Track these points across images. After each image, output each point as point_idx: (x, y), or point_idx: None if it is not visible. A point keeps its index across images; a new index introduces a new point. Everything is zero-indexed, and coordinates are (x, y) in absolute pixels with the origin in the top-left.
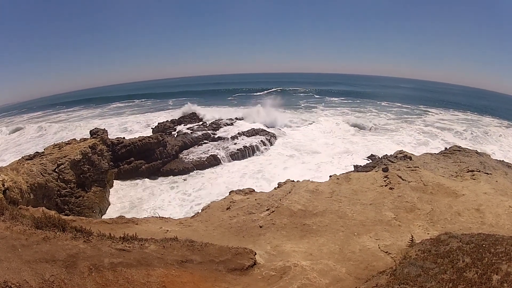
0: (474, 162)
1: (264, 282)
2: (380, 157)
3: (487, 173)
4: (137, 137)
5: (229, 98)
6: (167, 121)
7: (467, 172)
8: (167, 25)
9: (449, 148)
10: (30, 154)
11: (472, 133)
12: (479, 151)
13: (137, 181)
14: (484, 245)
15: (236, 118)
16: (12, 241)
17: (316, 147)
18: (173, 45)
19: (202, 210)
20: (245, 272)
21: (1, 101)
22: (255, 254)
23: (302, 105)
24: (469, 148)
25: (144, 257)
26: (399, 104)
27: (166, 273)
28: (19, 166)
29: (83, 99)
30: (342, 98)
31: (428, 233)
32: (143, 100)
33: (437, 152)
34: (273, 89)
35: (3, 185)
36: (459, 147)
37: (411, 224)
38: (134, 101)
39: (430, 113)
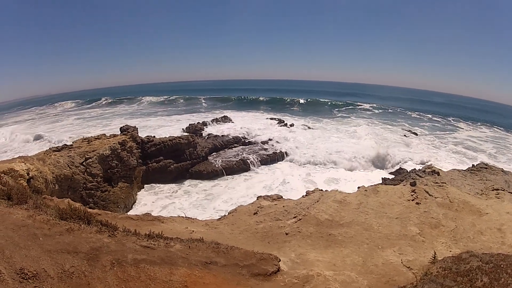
0: (500, 181)
1: None
2: (408, 171)
3: (511, 193)
4: (167, 136)
5: (261, 101)
6: (199, 122)
7: (492, 190)
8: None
9: (476, 165)
10: (58, 146)
11: (503, 154)
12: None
13: (165, 182)
14: (502, 266)
15: (275, 119)
16: (34, 230)
17: (350, 156)
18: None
19: (229, 213)
20: (268, 278)
21: (32, 92)
22: (279, 260)
23: (338, 114)
24: (496, 166)
25: (168, 256)
26: (430, 116)
27: (189, 273)
28: (46, 157)
29: (120, 97)
30: (374, 107)
31: (450, 251)
32: (175, 100)
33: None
34: (303, 100)
35: (28, 173)
36: (486, 164)
37: (435, 240)
38: (165, 101)
39: (460, 129)
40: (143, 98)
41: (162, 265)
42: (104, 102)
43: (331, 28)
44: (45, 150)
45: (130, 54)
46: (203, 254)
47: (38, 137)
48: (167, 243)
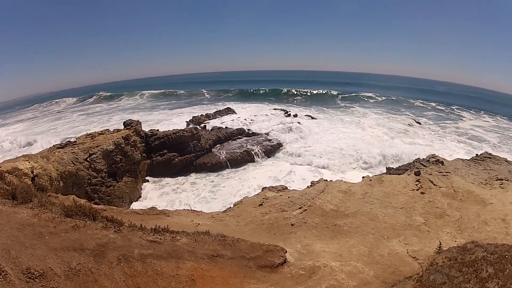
0: (503, 171)
1: (293, 280)
2: (412, 160)
3: None
4: (171, 129)
5: (264, 92)
6: (202, 115)
7: (496, 180)
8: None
9: (480, 154)
10: (62, 143)
11: (506, 144)
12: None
13: (169, 175)
14: (507, 256)
15: (278, 109)
16: (39, 228)
17: (349, 147)
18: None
19: (234, 205)
20: (274, 270)
21: (28, 92)
22: (286, 252)
23: (342, 104)
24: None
25: (175, 250)
26: (433, 105)
27: (196, 267)
28: (49, 154)
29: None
30: (378, 96)
31: (455, 241)
32: (176, 94)
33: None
34: (306, 90)
35: (32, 172)
36: (490, 154)
37: (440, 230)
38: (166, 92)
39: (463, 118)
40: (143, 92)
41: (168, 260)
42: (104, 97)
43: (331, 18)
44: (49, 147)
45: (128, 49)
46: (210, 247)
47: (28, 144)
48: (173, 237)
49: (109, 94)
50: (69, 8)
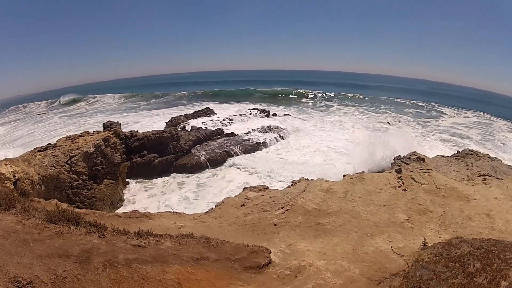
0: (486, 167)
1: (279, 281)
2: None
3: (498, 178)
4: (150, 130)
5: (244, 92)
6: (181, 115)
7: (479, 176)
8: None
9: (462, 151)
10: (42, 146)
11: (488, 141)
12: (491, 155)
13: (150, 176)
14: (493, 251)
15: (258, 109)
16: (24, 235)
17: (330, 150)
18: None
19: (216, 206)
20: (260, 271)
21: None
22: (270, 252)
23: (323, 103)
24: (481, 152)
25: (159, 254)
26: (414, 101)
27: (181, 270)
28: (30, 158)
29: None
30: (357, 93)
31: (440, 237)
32: (154, 94)
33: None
34: (283, 88)
35: (14, 176)
36: (472, 150)
37: (424, 227)
38: (145, 96)
39: (444, 115)
40: (122, 93)
41: (154, 264)
42: (77, 99)
43: (314, 16)
44: (29, 150)
45: (102, 49)
46: (194, 250)
47: None
48: (157, 240)
49: (82, 96)
50: (36, 6)
